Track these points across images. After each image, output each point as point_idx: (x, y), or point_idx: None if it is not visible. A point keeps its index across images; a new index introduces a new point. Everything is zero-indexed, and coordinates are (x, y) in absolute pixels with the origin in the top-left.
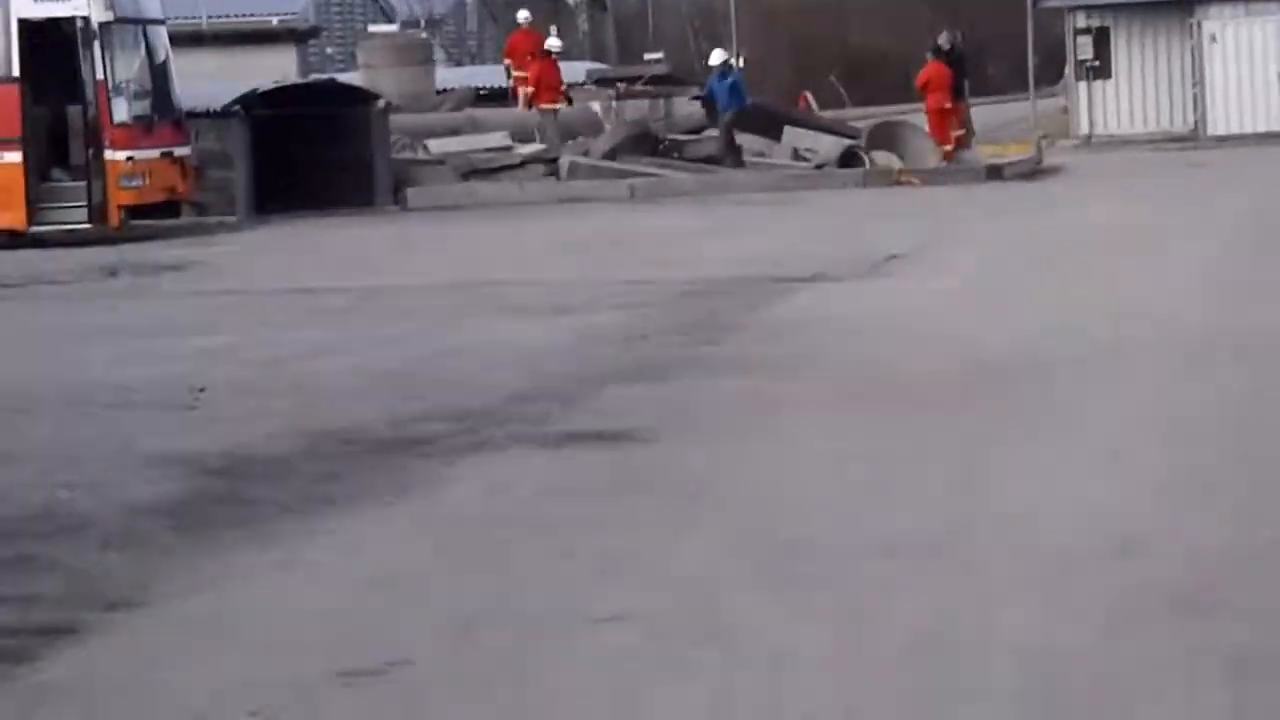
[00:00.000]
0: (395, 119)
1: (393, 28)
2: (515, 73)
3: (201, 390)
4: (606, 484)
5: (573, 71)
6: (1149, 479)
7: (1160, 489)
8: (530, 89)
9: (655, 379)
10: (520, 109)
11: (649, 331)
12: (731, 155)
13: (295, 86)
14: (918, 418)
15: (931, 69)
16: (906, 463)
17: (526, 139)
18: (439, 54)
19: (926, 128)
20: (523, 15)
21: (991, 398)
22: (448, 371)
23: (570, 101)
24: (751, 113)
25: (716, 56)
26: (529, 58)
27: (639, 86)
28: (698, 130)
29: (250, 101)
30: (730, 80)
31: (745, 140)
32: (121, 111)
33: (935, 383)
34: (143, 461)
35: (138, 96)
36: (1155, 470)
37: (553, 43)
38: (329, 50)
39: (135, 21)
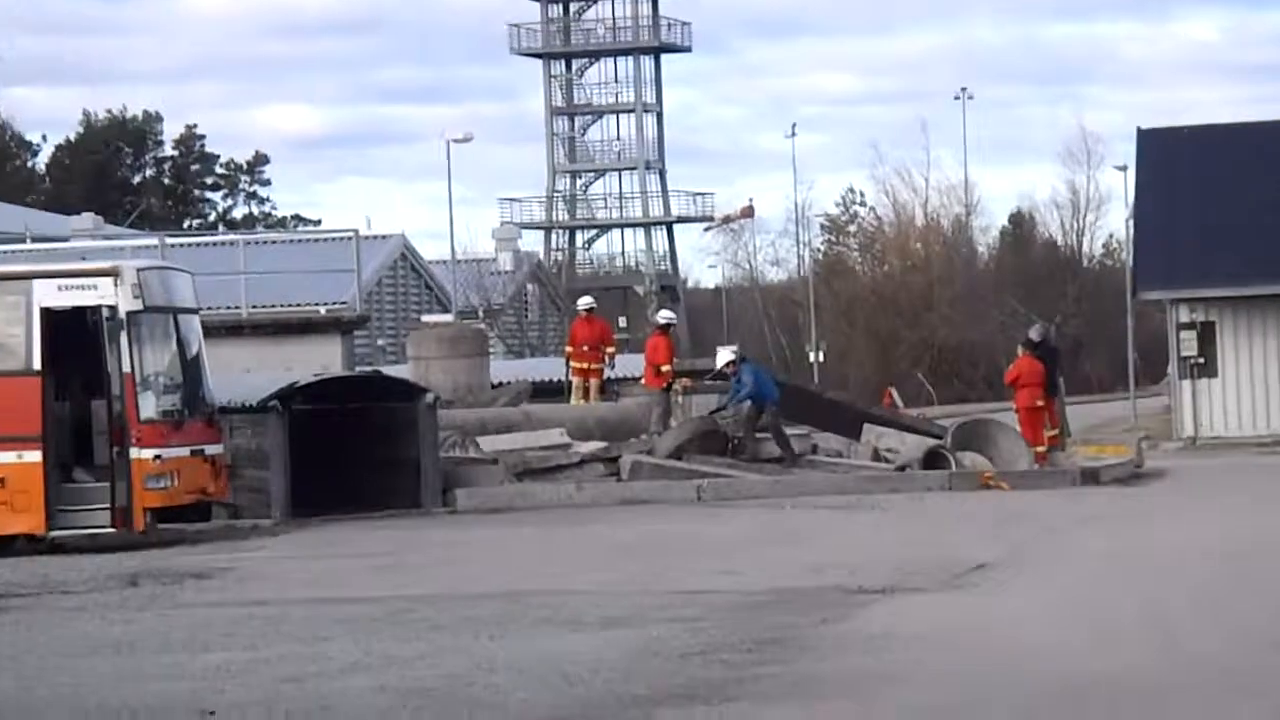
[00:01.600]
0: (445, 414)
1: (447, 317)
2: (574, 363)
3: (211, 715)
4: None
5: (634, 364)
6: None
7: None
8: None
9: (710, 702)
10: (574, 401)
11: (706, 648)
12: (752, 445)
13: (337, 379)
14: None
15: (1022, 363)
16: None
17: (586, 436)
18: (497, 345)
19: (1017, 427)
20: (584, 302)
21: None
22: (482, 691)
23: (669, 386)
24: (813, 405)
25: (723, 356)
26: (585, 348)
27: (707, 380)
28: (771, 428)
29: (289, 395)
30: (743, 375)
31: (822, 439)
32: (149, 407)
33: (1021, 712)
34: None
35: (167, 390)
36: None
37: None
38: (379, 342)
39: (166, 310)
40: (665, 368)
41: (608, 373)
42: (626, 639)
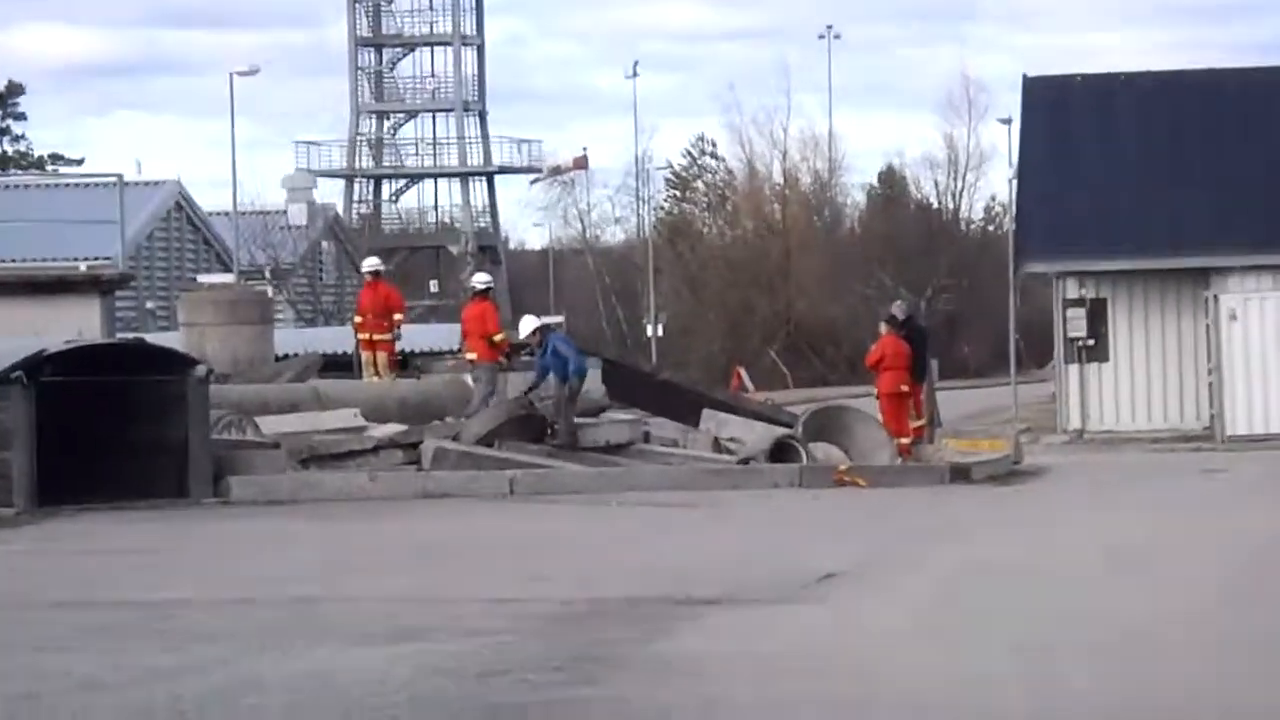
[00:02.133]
0: (220, 390)
1: (228, 278)
2: (359, 334)
3: None
4: None
5: (444, 336)
6: None
7: None
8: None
9: None
10: (366, 378)
11: (510, 666)
12: (571, 436)
13: (94, 348)
14: None
15: (886, 343)
16: None
17: (384, 418)
18: (286, 311)
19: (879, 415)
20: (369, 263)
21: None
22: (245, 715)
23: (509, 356)
24: (643, 386)
25: (527, 324)
26: (370, 316)
27: (525, 356)
28: (597, 412)
29: (35, 365)
30: (555, 346)
31: (655, 425)
32: None
33: None
34: None
35: None
36: None
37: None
38: (149, 304)
39: None
40: (499, 336)
41: (397, 345)
42: (419, 655)
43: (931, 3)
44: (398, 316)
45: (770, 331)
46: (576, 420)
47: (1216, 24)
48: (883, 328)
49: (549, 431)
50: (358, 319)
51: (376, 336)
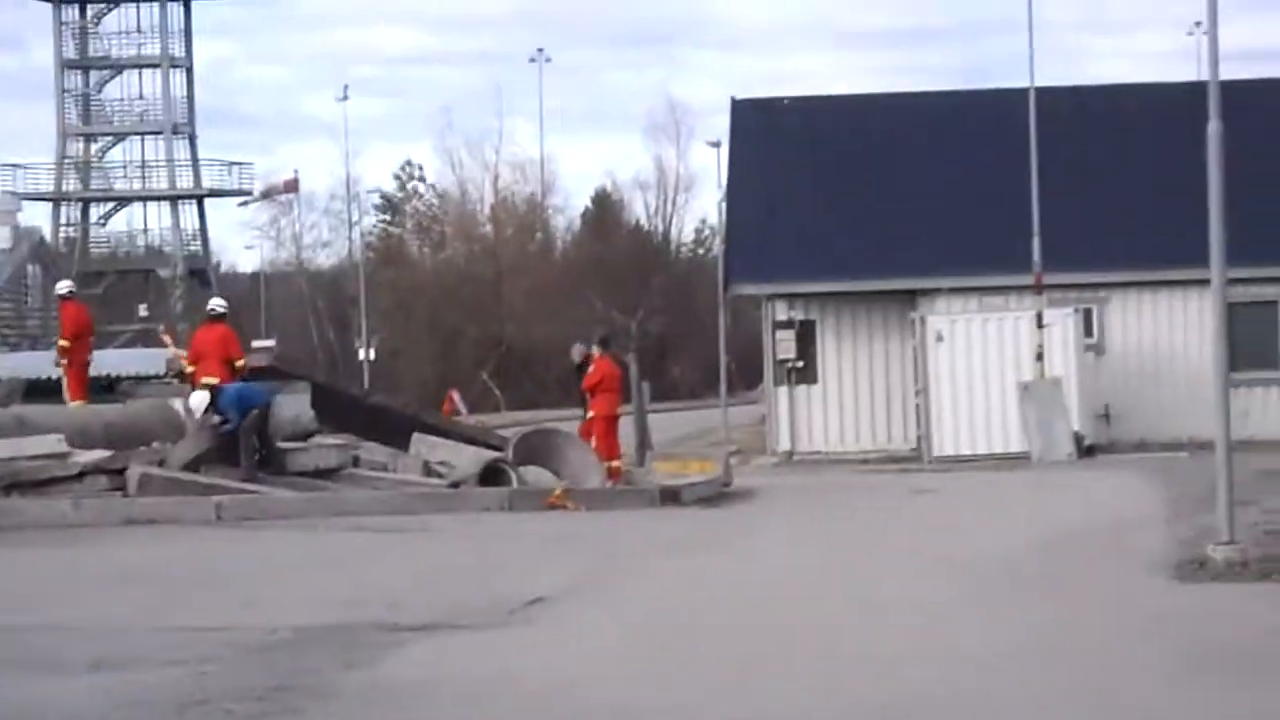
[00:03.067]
0: None
1: None
2: (62, 360)
3: None
4: None
5: (152, 360)
6: None
7: None
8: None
9: None
10: (70, 403)
11: (210, 696)
12: (251, 470)
13: None
14: None
15: (602, 366)
16: None
17: (91, 444)
18: None
19: (592, 439)
20: (61, 286)
21: None
22: None
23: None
24: (353, 410)
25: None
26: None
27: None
28: (305, 436)
29: None
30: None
31: (367, 449)
32: None
33: None
34: None
35: None
36: None
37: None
38: None
39: None
40: (240, 361)
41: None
42: (116, 685)
43: (641, 28)
44: (62, 344)
45: (482, 354)
46: (286, 445)
47: (915, 49)
48: (594, 350)
49: (259, 456)
50: (62, 342)
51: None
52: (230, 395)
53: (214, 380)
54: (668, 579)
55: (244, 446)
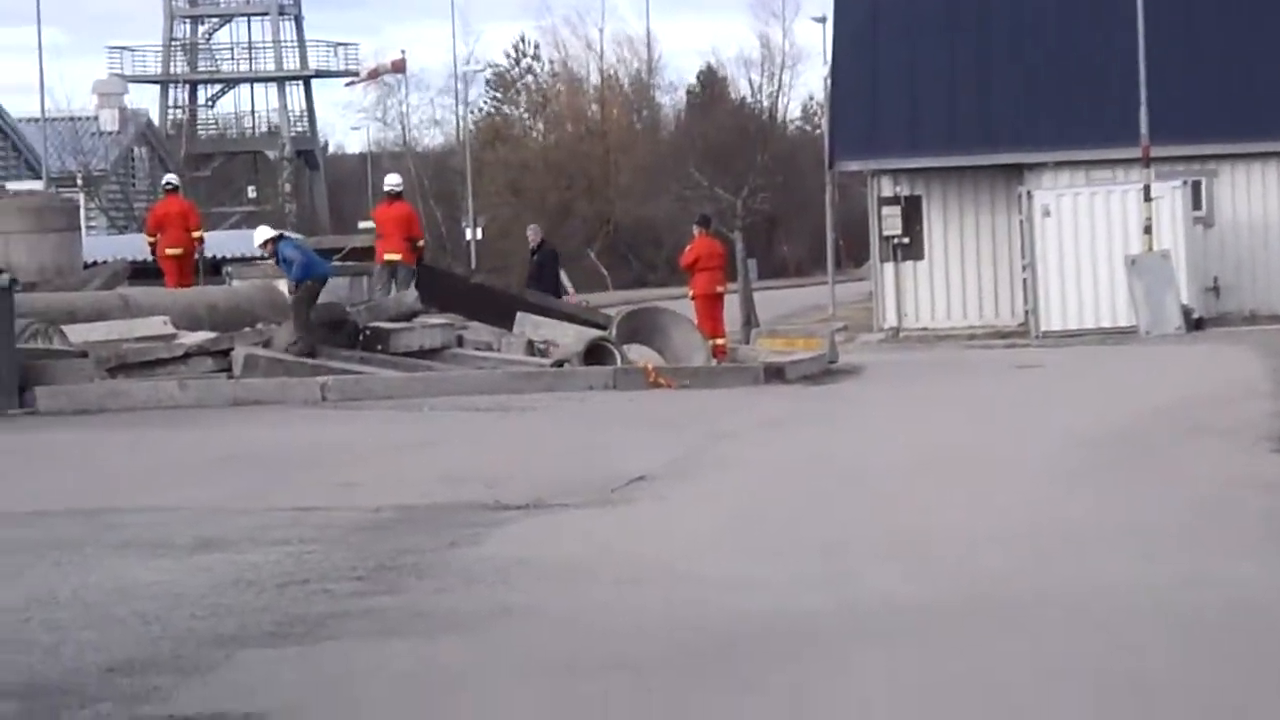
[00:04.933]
0: (26, 299)
1: (37, 185)
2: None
3: None
4: None
5: (246, 241)
6: None
7: None
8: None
9: (308, 640)
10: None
11: (310, 576)
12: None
13: None
14: (641, 701)
15: (700, 245)
16: None
17: (195, 324)
18: (98, 218)
19: (694, 316)
20: (167, 179)
21: (738, 679)
22: (37, 629)
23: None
24: (456, 291)
25: (260, 234)
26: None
27: (336, 261)
28: (409, 316)
29: None
30: (284, 252)
31: (472, 330)
32: None
33: (668, 654)
34: None
35: None
36: None
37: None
38: None
39: None
40: (422, 241)
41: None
42: (220, 565)
43: None
44: (196, 235)
45: (590, 233)
46: (388, 326)
47: None
48: (695, 229)
49: (361, 336)
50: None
51: (169, 252)
52: (297, 264)
53: (397, 257)
54: (770, 456)
55: (296, 316)
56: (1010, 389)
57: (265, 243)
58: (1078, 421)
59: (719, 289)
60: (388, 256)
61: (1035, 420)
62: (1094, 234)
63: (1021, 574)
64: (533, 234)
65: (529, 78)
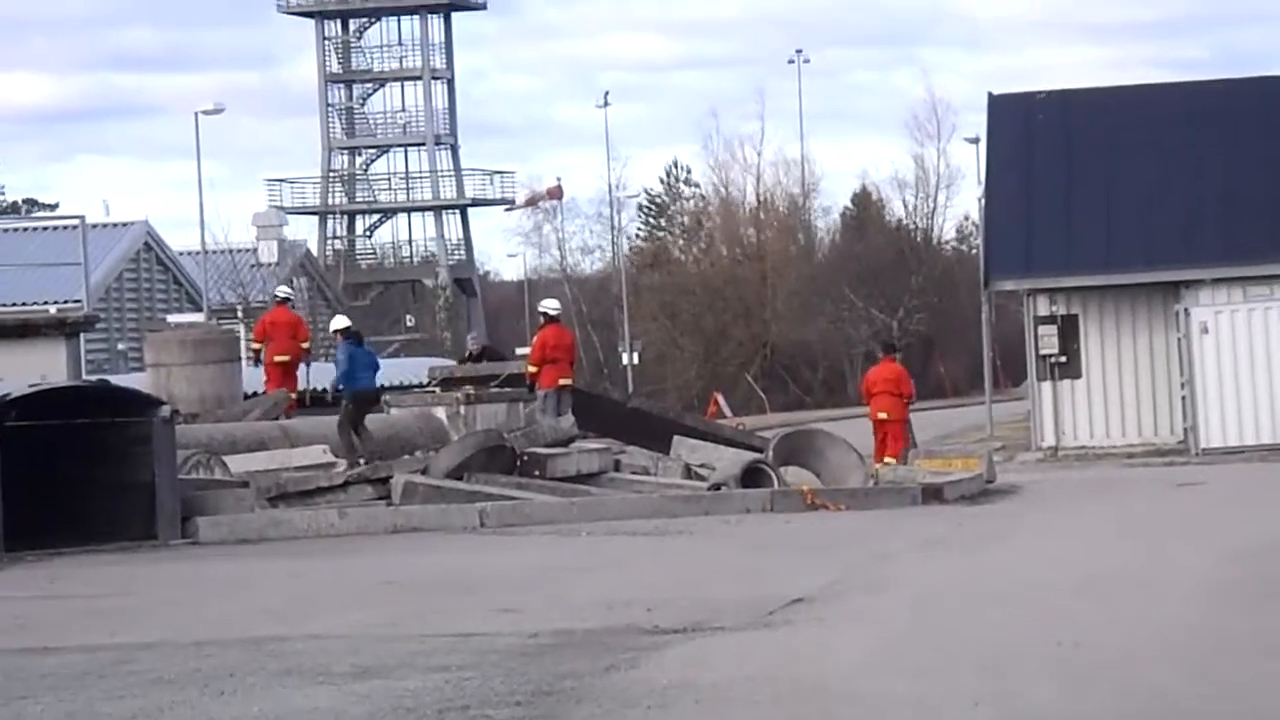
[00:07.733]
0: (188, 430)
1: (197, 317)
2: (261, 355)
3: None
4: None
5: (411, 369)
6: None
7: None
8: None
9: None
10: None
11: (470, 702)
12: (350, 452)
13: (58, 390)
14: None
15: (884, 368)
16: None
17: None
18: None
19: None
20: (283, 290)
21: None
22: None
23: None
24: (614, 415)
25: (336, 323)
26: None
27: (494, 388)
28: (565, 442)
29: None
30: (339, 352)
31: (629, 454)
32: None
33: None
34: None
35: None
36: None
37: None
38: (120, 345)
39: None
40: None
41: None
42: (378, 692)
43: (886, 27)
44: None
45: (747, 356)
46: (545, 451)
47: (1159, 39)
48: (880, 353)
49: (520, 463)
50: (254, 345)
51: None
52: (340, 370)
53: (569, 381)
54: (928, 577)
55: (340, 435)
56: (1171, 507)
57: (335, 332)
58: (1243, 540)
59: (906, 415)
60: (562, 381)
61: (1196, 538)
62: (1252, 349)
63: (1182, 692)
64: (472, 341)
65: (681, 202)
